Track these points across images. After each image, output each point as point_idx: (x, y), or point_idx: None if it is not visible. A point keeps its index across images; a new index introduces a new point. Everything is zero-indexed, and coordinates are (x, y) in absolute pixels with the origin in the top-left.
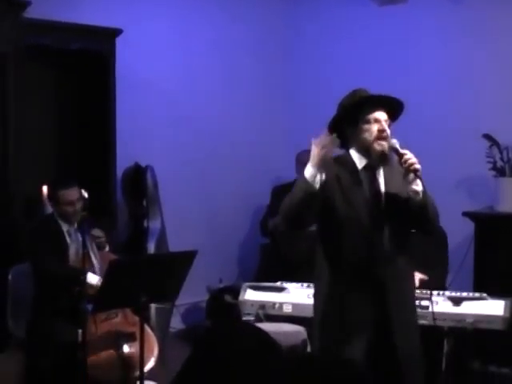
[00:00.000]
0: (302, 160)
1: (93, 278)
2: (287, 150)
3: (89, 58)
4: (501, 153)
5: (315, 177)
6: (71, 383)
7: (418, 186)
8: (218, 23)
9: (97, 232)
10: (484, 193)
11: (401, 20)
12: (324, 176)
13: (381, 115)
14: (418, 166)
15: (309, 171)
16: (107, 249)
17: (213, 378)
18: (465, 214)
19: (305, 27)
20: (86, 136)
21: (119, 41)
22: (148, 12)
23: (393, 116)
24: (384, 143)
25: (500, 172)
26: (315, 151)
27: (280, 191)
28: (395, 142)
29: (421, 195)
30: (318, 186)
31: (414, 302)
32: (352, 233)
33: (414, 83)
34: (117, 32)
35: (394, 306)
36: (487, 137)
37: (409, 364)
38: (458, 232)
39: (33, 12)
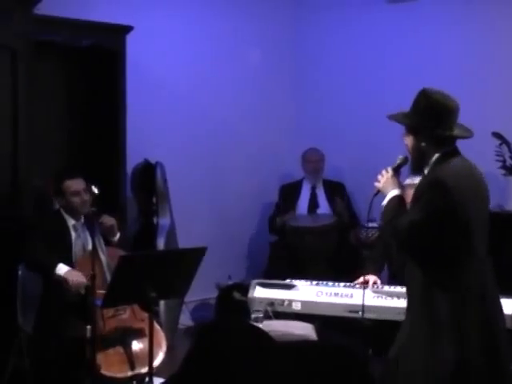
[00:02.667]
0: (308, 158)
1: (61, 269)
2: (295, 148)
3: (99, 54)
4: (510, 151)
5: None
6: (79, 379)
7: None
8: (229, 20)
9: (106, 218)
10: (493, 191)
11: (410, 17)
12: None
13: None
14: (375, 184)
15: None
16: (118, 236)
17: (212, 372)
18: None
19: (314, 26)
20: (96, 133)
21: (130, 38)
22: (158, 9)
23: None
24: None
25: (509, 171)
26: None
27: (288, 189)
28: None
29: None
30: None
31: None
32: None
33: (424, 80)
34: (127, 29)
35: None
36: (497, 135)
37: None
38: None
39: (44, 8)
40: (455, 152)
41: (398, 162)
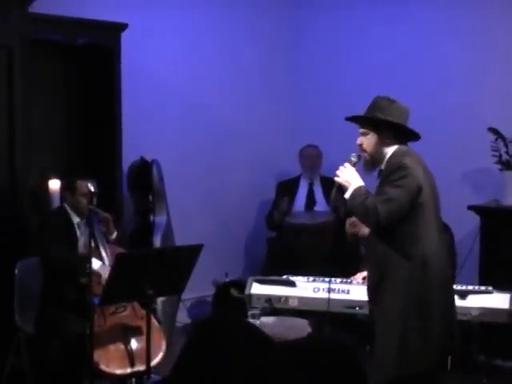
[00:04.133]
0: (305, 155)
1: (96, 264)
2: (292, 145)
3: (95, 52)
4: (506, 146)
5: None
6: (79, 376)
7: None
8: (225, 18)
9: (105, 215)
10: (489, 186)
11: (407, 15)
12: None
13: None
14: (335, 179)
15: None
16: (115, 234)
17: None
18: (470, 207)
19: (312, 24)
20: (92, 130)
21: (125, 35)
22: (153, 7)
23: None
24: None
25: (505, 165)
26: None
27: (284, 186)
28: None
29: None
30: None
31: None
32: None
33: (421, 77)
34: (122, 27)
35: None
36: (493, 130)
37: None
38: (464, 226)
39: (39, 7)
40: (406, 147)
41: (353, 159)
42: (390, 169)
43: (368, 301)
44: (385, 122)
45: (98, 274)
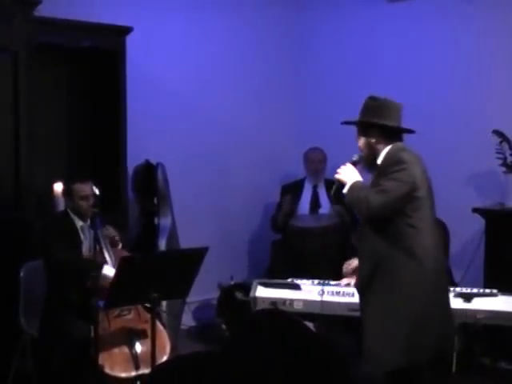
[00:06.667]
0: (310, 158)
1: (109, 271)
2: (296, 147)
3: (100, 55)
4: (511, 149)
5: None
6: (83, 380)
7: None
8: (228, 21)
9: (110, 230)
10: (494, 189)
11: (410, 16)
12: None
13: None
14: (335, 176)
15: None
16: (120, 246)
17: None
18: (475, 210)
19: (315, 29)
20: (96, 133)
21: (130, 39)
22: (158, 10)
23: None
24: None
25: (510, 168)
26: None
27: (289, 188)
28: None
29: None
30: None
31: None
32: None
33: (424, 79)
34: (127, 30)
35: None
36: (497, 133)
37: None
38: (468, 228)
39: (44, 10)
40: (402, 144)
41: (354, 159)
42: (387, 163)
43: (358, 292)
44: (369, 124)
45: (108, 279)
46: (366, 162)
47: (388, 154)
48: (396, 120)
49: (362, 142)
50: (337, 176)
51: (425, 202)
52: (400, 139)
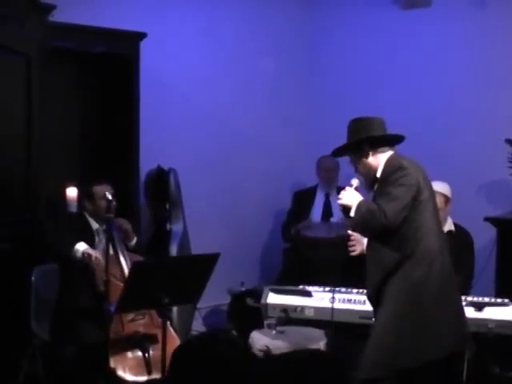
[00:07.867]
0: (323, 167)
1: (81, 246)
2: (308, 155)
3: (113, 61)
4: None
5: None
6: (94, 383)
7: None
8: (242, 27)
9: (122, 221)
10: (506, 198)
11: (423, 23)
12: None
13: None
14: (338, 202)
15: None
16: (135, 240)
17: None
18: (487, 219)
19: (328, 33)
20: (109, 139)
21: (143, 44)
22: (172, 16)
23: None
24: None
25: None
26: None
27: (301, 196)
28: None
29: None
30: None
31: None
32: None
33: (438, 87)
34: (141, 35)
35: None
36: (510, 142)
37: None
38: (480, 237)
39: (58, 16)
40: (397, 153)
41: (354, 183)
42: (388, 171)
43: (370, 302)
44: (355, 143)
45: (88, 255)
46: (366, 183)
47: (387, 163)
48: (382, 131)
49: (358, 164)
50: (340, 202)
51: (427, 205)
52: (392, 149)
